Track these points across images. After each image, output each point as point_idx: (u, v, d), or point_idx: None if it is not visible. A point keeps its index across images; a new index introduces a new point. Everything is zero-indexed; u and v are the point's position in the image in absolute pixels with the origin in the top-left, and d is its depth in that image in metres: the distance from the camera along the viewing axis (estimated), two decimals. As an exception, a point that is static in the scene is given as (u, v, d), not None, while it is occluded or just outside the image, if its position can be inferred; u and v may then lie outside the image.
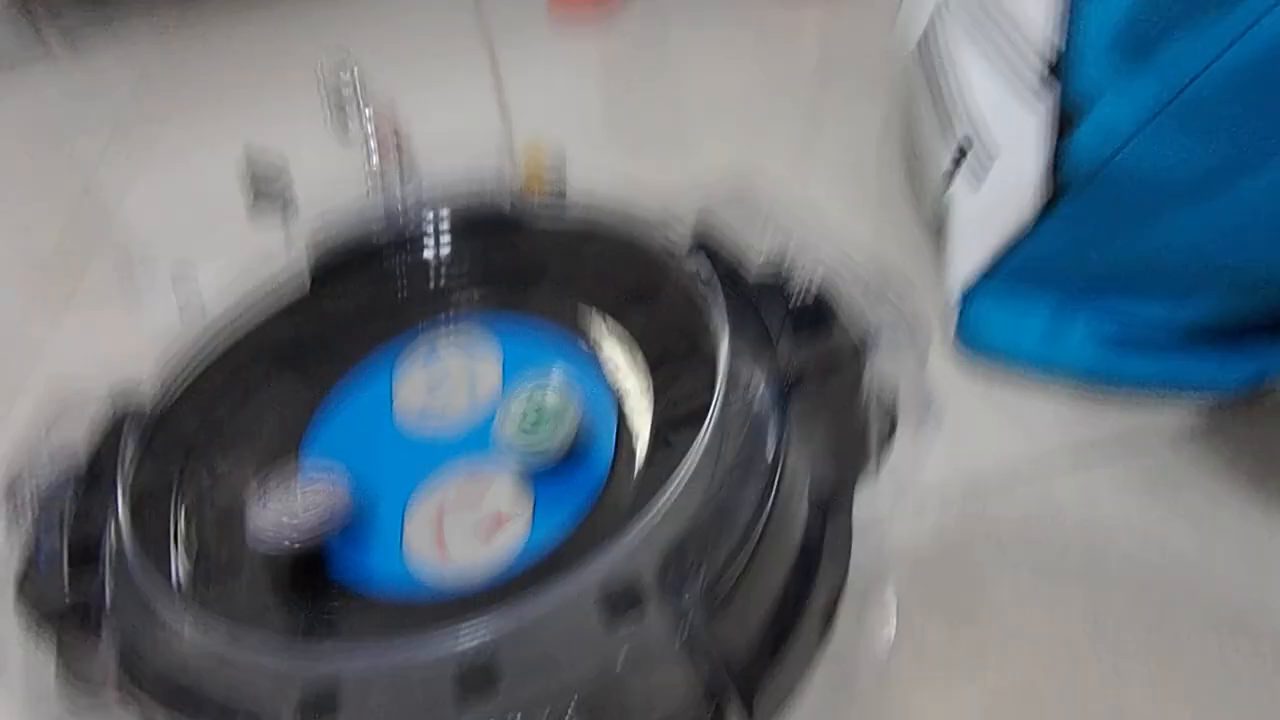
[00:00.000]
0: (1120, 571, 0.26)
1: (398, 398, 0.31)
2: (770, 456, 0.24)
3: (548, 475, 0.27)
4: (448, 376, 0.32)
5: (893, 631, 0.26)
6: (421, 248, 0.35)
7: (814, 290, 0.29)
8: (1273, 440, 0.27)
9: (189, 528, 0.27)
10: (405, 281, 0.35)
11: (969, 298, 0.32)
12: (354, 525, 0.27)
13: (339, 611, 0.24)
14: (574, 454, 0.28)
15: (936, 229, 0.36)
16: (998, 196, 0.29)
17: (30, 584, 0.25)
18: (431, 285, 0.34)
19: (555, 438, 0.27)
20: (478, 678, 0.20)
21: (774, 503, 0.23)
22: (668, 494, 0.23)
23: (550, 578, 0.23)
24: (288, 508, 0.25)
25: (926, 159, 0.34)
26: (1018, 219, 0.29)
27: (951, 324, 0.33)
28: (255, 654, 0.20)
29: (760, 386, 0.26)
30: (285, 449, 0.29)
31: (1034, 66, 0.27)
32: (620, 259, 0.32)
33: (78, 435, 0.29)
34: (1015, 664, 0.25)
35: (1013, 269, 0.30)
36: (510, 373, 0.31)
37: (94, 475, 0.27)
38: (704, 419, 0.25)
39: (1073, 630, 0.26)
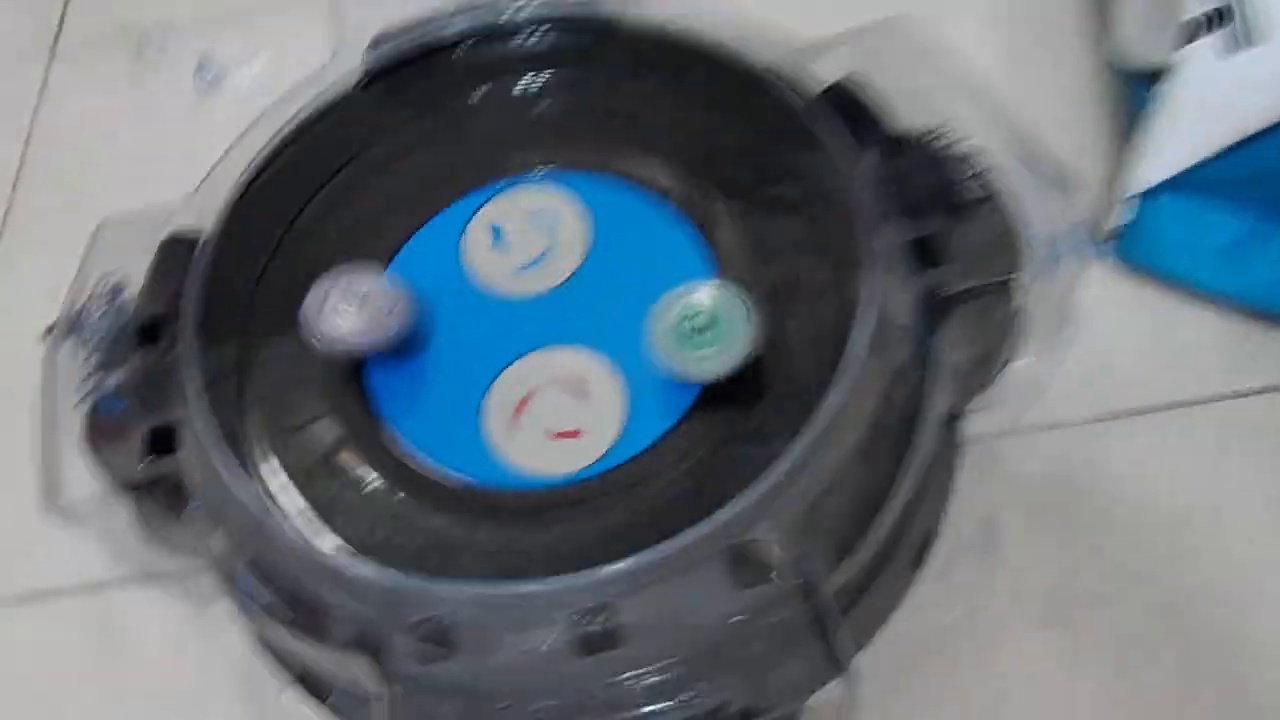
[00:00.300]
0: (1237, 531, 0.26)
1: (470, 250, 0.28)
2: (914, 395, 0.22)
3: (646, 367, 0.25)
4: (528, 233, 0.28)
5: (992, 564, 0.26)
6: (508, 72, 0.29)
7: (970, 167, 0.25)
8: None
9: (261, 380, 0.25)
10: (485, 112, 0.29)
11: (1151, 196, 0.28)
12: (429, 397, 0.25)
13: (425, 498, 0.23)
14: None
15: (1118, 92, 0.30)
16: (1250, 77, 0.24)
17: (100, 440, 0.23)
18: (516, 122, 0.29)
19: (729, 349, 0.22)
20: (599, 635, 0.19)
21: (912, 449, 0.22)
22: (802, 441, 0.20)
23: (643, 487, 0.22)
24: (351, 307, 0.23)
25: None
26: (1262, 116, 0.24)
27: (1114, 221, 0.29)
28: (366, 575, 0.19)
29: (908, 302, 0.23)
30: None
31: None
32: (740, 109, 0.27)
33: (127, 265, 0.26)
34: (1127, 607, 0.26)
35: (1221, 172, 0.26)
36: (601, 238, 0.27)
37: (153, 312, 0.25)
38: (838, 333, 0.22)
39: (1190, 580, 0.26)
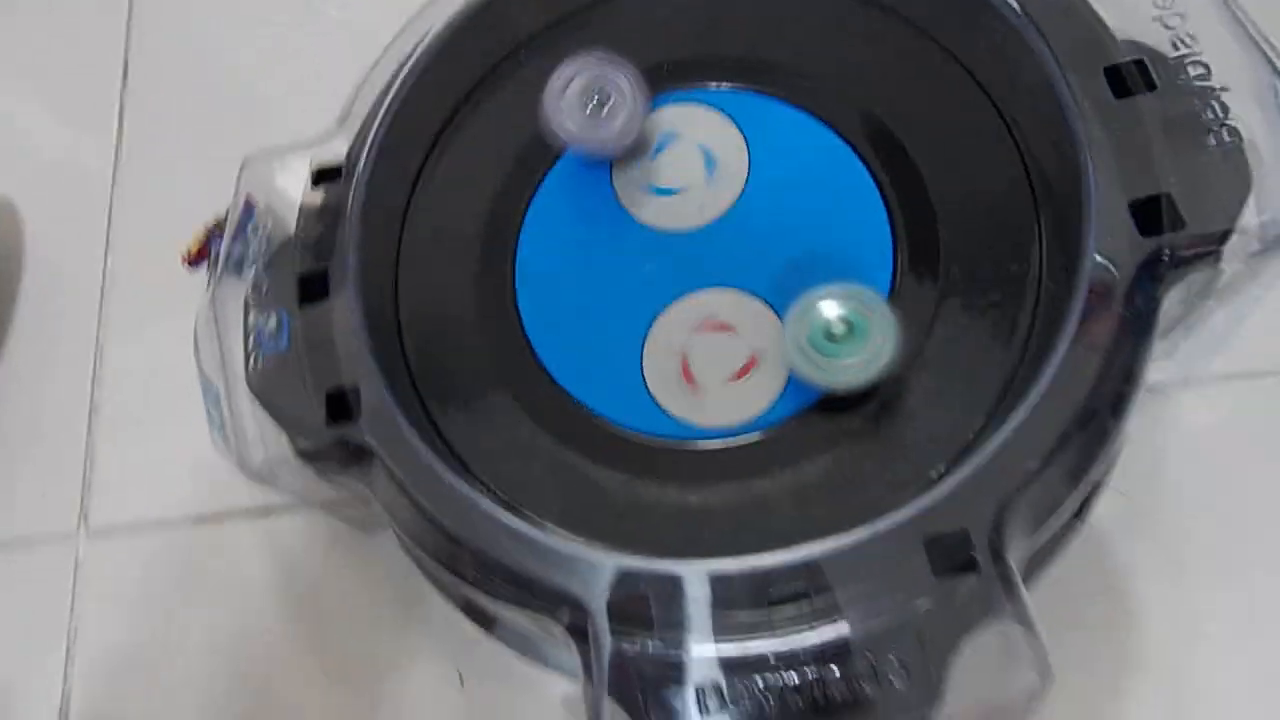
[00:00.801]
0: None
1: (621, 180, 0.26)
2: (1125, 372, 0.21)
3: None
4: (684, 160, 0.26)
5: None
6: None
7: (1212, 106, 0.22)
8: None
9: (428, 336, 0.24)
10: (638, 19, 0.26)
11: None
12: (593, 350, 0.24)
13: (592, 447, 0.23)
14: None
15: None
16: None
17: (272, 390, 0.23)
18: (672, 31, 0.26)
19: (877, 358, 0.20)
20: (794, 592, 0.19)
21: (1117, 431, 0.21)
22: (1012, 424, 0.19)
23: (810, 441, 0.22)
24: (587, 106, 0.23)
25: None
26: None
27: None
28: (571, 552, 0.20)
29: (1131, 271, 0.20)
30: (498, 237, 0.26)
31: None
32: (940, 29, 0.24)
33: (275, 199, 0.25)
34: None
35: None
36: (759, 169, 0.25)
37: (312, 261, 0.24)
38: (1048, 308, 0.20)
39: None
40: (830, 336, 0.21)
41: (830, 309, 0.21)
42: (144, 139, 0.38)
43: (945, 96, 0.24)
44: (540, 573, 0.20)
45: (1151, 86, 0.22)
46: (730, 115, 0.26)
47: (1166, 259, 0.21)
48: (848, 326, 0.21)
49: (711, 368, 0.24)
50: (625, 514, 0.22)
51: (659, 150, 0.26)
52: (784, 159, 0.25)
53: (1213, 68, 0.22)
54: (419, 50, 0.25)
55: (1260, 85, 0.22)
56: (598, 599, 0.19)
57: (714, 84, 0.26)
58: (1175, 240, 0.21)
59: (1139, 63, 0.22)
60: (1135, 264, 0.21)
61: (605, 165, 0.26)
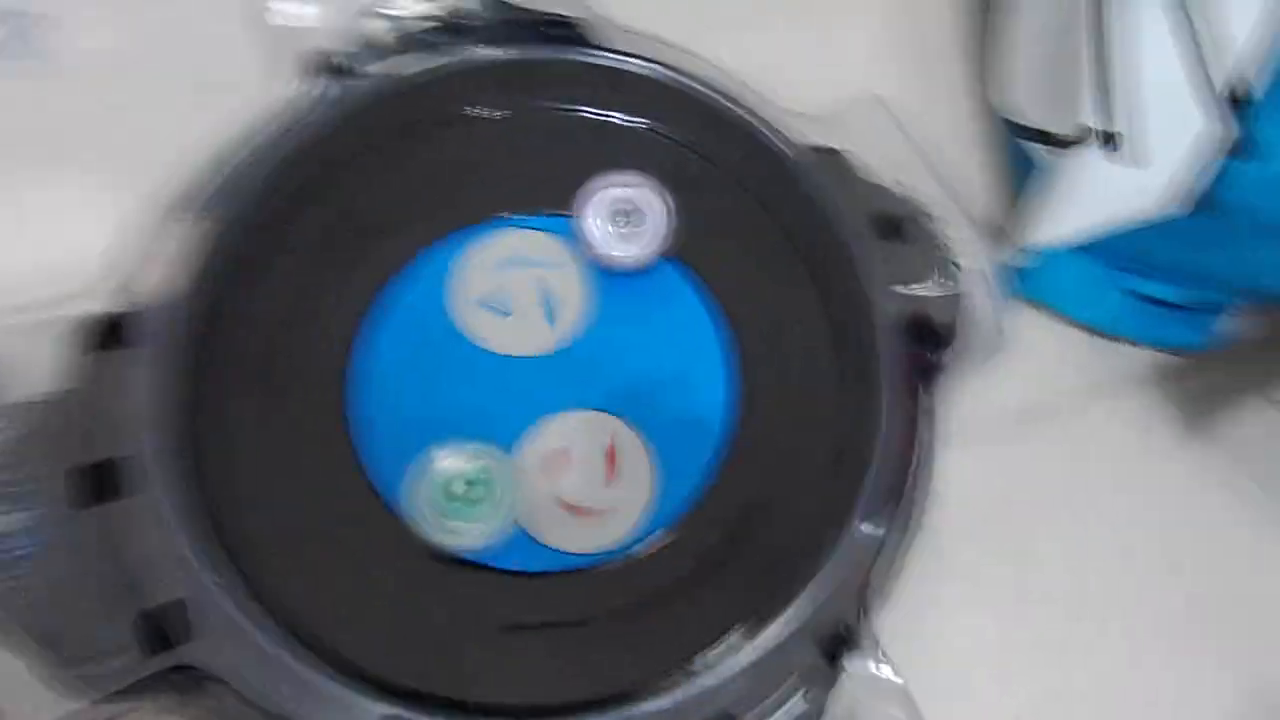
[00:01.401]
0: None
1: (457, 301, 0.25)
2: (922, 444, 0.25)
3: (664, 426, 0.25)
4: (522, 284, 0.26)
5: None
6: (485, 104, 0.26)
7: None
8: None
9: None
10: (463, 147, 0.26)
11: (1046, 255, 0.33)
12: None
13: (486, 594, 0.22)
14: (681, 391, 0.25)
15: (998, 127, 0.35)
16: (1129, 185, 0.29)
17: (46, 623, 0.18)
18: (502, 158, 0.26)
19: (493, 515, 0.21)
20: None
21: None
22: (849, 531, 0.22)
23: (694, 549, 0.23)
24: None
25: (1052, 82, 0.32)
26: (1135, 210, 0.29)
27: (1009, 267, 0.34)
28: None
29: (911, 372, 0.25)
30: (327, 372, 0.23)
31: (1221, 78, 0.26)
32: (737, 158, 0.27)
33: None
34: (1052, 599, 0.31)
35: (1089, 245, 0.32)
36: (600, 291, 0.26)
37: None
38: (859, 412, 0.24)
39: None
40: (451, 495, 0.21)
41: (452, 467, 0.21)
42: None
43: (751, 235, 0.27)
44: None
45: (901, 231, 0.27)
46: (563, 235, 0.26)
47: (933, 360, 0.27)
48: (469, 485, 0.21)
49: (572, 492, 0.23)
50: (498, 661, 0.21)
51: (494, 272, 0.26)
52: (621, 286, 0.26)
53: (936, 216, 0.28)
54: (228, 184, 0.22)
55: (965, 234, 0.29)
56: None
57: (541, 208, 0.26)
58: (936, 347, 0.27)
59: (895, 214, 0.27)
60: (917, 365, 0.26)
61: (440, 290, 0.25)
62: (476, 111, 0.26)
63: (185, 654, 0.18)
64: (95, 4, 0.30)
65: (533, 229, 0.26)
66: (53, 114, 0.28)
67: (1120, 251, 0.33)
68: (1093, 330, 0.36)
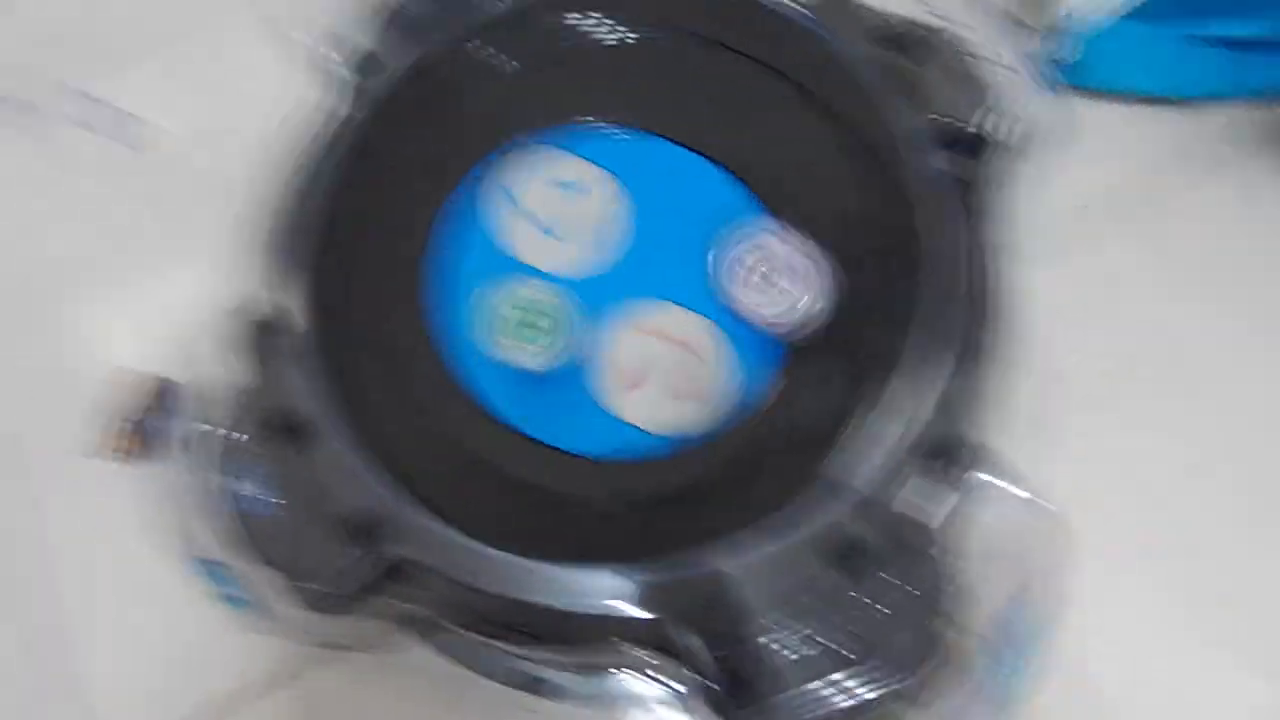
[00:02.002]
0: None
1: (502, 229, 0.27)
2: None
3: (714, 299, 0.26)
4: (560, 205, 0.28)
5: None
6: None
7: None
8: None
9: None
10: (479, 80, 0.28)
11: (1089, 32, 0.31)
12: (540, 388, 0.26)
13: (583, 481, 0.25)
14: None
15: None
16: None
17: (273, 547, 0.24)
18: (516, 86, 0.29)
19: (555, 344, 0.24)
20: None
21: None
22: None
23: (775, 419, 0.25)
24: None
25: None
26: None
27: (1050, 56, 0.32)
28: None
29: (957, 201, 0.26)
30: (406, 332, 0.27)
31: None
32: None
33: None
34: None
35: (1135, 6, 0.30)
36: (640, 208, 0.28)
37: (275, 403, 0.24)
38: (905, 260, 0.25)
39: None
40: (521, 324, 0.24)
41: (516, 298, 0.25)
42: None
43: (770, 98, 0.28)
44: (608, 607, 0.22)
45: (911, 40, 0.27)
46: (588, 152, 0.28)
47: (977, 167, 0.26)
48: (533, 314, 0.24)
49: (661, 379, 0.26)
50: (621, 527, 0.24)
51: (535, 200, 0.28)
52: (652, 183, 0.28)
53: (952, 17, 0.27)
54: (299, 190, 0.27)
55: (990, 25, 0.27)
56: (669, 608, 0.21)
57: (562, 125, 0.28)
58: (974, 152, 0.26)
59: (898, 26, 0.27)
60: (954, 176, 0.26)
61: (488, 229, 0.28)
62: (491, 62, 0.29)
63: (387, 549, 0.23)
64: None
65: (569, 154, 0.28)
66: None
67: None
68: (1163, 100, 0.33)
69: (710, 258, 0.27)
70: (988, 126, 0.26)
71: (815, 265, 0.26)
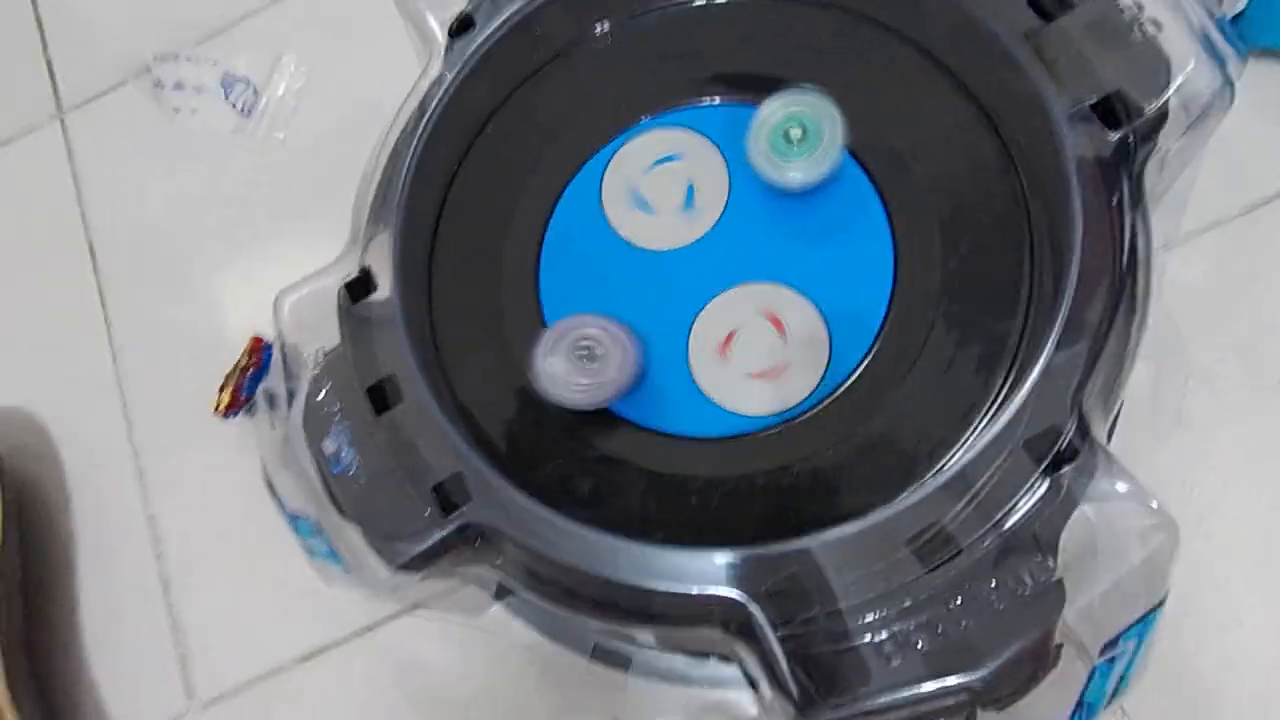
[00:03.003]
0: None
1: (612, 207, 0.27)
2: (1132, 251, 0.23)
3: (826, 281, 0.25)
4: (668, 185, 0.27)
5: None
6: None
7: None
8: None
9: (495, 413, 0.25)
10: (595, 66, 0.28)
11: None
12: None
13: (688, 458, 0.24)
14: (839, 247, 0.25)
15: None
16: None
17: (366, 507, 0.24)
18: (628, 73, 0.28)
19: (826, 150, 0.24)
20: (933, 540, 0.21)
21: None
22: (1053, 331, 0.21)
23: (879, 402, 0.23)
24: (575, 367, 0.23)
25: None
26: None
27: (1231, 8, 0.29)
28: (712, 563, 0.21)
29: (1113, 169, 0.23)
30: (523, 299, 0.26)
31: None
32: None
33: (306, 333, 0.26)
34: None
35: None
36: (738, 180, 0.27)
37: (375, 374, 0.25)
38: (1045, 231, 0.23)
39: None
40: (788, 139, 0.24)
41: (783, 116, 0.24)
42: (127, 310, 0.38)
43: (901, 71, 0.26)
44: (693, 588, 0.21)
45: (1069, 5, 0.24)
46: (700, 129, 0.27)
47: (1132, 143, 0.24)
48: (802, 130, 0.24)
49: (756, 356, 0.25)
50: (724, 511, 0.23)
51: (641, 177, 0.27)
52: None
53: None
54: (406, 152, 0.26)
55: None
56: (756, 592, 0.20)
57: (677, 104, 0.27)
58: (1134, 127, 0.23)
59: None
60: (1111, 154, 0.23)
61: (597, 205, 0.27)
62: (588, 29, 0.28)
63: (469, 513, 0.23)
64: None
65: (671, 126, 0.27)
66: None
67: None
68: None
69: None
70: (1153, 100, 0.23)
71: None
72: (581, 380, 0.23)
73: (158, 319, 0.37)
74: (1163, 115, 0.24)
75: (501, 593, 0.26)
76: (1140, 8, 0.25)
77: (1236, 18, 0.29)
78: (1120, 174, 0.24)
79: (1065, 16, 0.24)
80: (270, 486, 0.26)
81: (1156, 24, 0.24)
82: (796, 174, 0.24)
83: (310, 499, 0.25)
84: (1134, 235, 0.23)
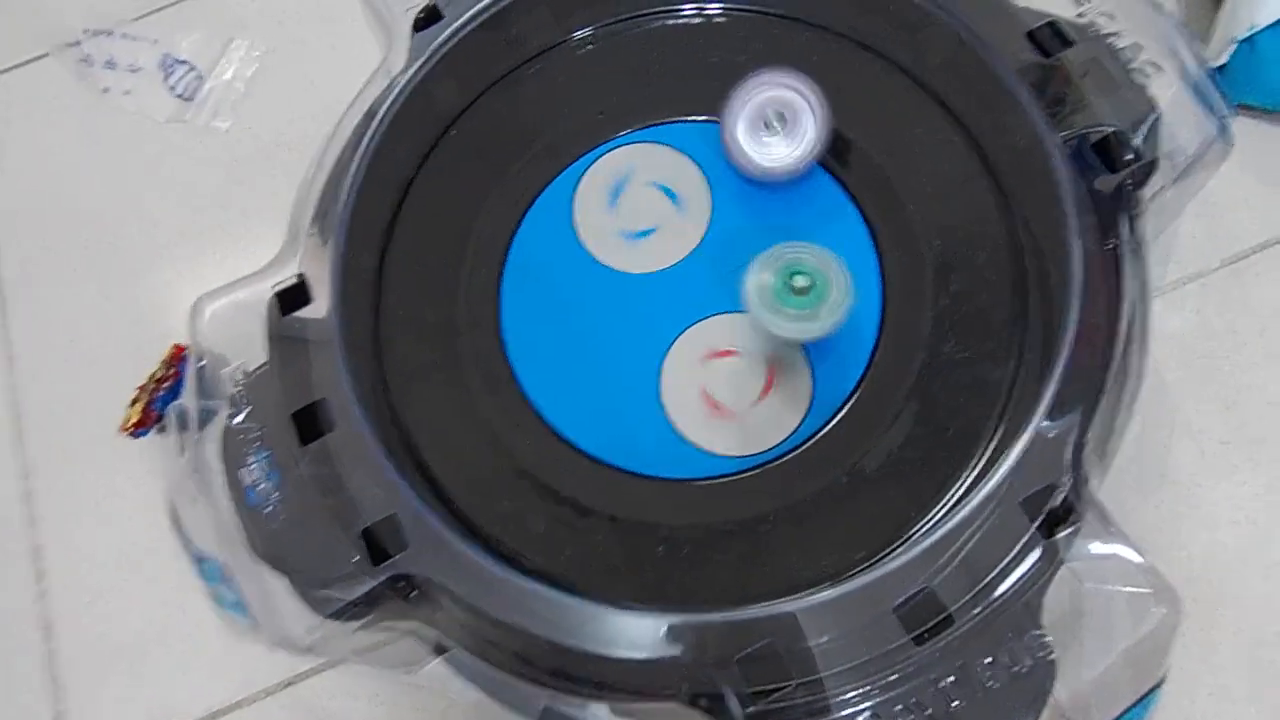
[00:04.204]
0: None
1: (585, 224, 0.25)
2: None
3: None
4: (642, 202, 0.25)
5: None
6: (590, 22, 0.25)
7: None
8: None
9: (440, 446, 0.23)
10: (568, 80, 0.26)
11: (1258, 35, 0.28)
12: (601, 401, 0.23)
13: (656, 502, 0.22)
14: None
15: None
16: None
17: (283, 546, 0.21)
18: (615, 76, 0.26)
19: (833, 306, 0.21)
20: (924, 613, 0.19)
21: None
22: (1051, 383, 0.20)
23: (865, 445, 0.21)
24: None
25: None
26: None
27: (1216, 63, 0.29)
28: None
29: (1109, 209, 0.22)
30: (479, 320, 0.24)
31: None
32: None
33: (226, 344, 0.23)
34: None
35: None
36: (718, 199, 0.25)
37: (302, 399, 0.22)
38: (1036, 265, 0.21)
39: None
40: (792, 290, 0.22)
41: (792, 265, 0.22)
42: (28, 306, 0.34)
43: (895, 101, 0.25)
44: (656, 655, 0.18)
45: (1069, 43, 0.23)
46: (680, 149, 0.26)
47: (1130, 186, 0.23)
48: (809, 282, 0.22)
49: (735, 393, 0.23)
50: (693, 565, 0.21)
51: (617, 195, 0.26)
52: (745, 183, 0.25)
53: (1116, 16, 0.24)
54: (358, 150, 0.24)
55: (1158, 31, 0.24)
56: (727, 660, 0.18)
57: (660, 121, 0.26)
58: (1132, 170, 0.23)
59: (1052, 24, 0.24)
60: (1109, 197, 0.22)
61: (567, 222, 0.25)
62: (567, 34, 0.26)
63: (402, 563, 0.20)
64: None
65: (652, 142, 0.26)
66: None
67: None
68: None
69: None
70: (1149, 144, 0.22)
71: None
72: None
73: (65, 318, 0.33)
74: (1156, 161, 0.23)
75: (441, 648, 0.23)
76: (1138, 51, 0.24)
77: (1220, 70, 0.29)
78: (1119, 218, 0.23)
79: (1064, 53, 0.24)
80: (175, 520, 0.23)
81: (1156, 66, 0.24)
82: (804, 327, 0.22)
83: (220, 538, 0.22)
84: (1133, 282, 0.22)
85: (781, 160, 0.24)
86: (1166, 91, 0.23)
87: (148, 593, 0.28)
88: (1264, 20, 0.27)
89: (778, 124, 0.24)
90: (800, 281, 0.21)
